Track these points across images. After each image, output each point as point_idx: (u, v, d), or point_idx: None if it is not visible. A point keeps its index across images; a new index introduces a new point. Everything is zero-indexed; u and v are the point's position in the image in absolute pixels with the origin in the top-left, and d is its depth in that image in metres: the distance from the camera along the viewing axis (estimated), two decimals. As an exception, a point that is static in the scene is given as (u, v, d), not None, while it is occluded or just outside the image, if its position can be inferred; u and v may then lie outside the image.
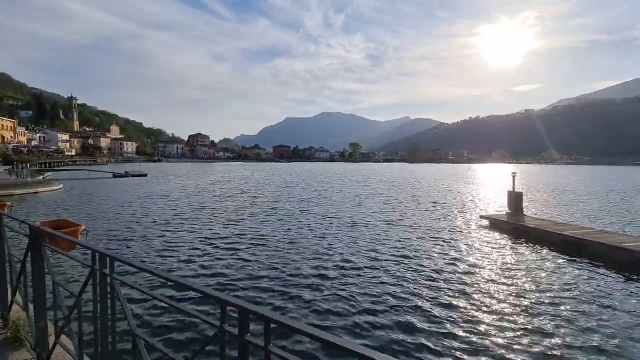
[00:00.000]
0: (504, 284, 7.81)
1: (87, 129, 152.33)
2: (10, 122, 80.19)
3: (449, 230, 13.54)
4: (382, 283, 7.72)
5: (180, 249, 10.47)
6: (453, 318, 6.05)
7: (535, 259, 9.83)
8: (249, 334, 1.16)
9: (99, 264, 1.79)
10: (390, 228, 13.88)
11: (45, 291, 2.34)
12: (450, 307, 6.52)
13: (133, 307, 5.91)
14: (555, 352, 5.00)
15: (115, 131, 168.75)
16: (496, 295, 7.10)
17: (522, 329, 5.67)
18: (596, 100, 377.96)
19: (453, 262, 9.40)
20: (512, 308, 6.52)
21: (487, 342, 5.24)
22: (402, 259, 9.57)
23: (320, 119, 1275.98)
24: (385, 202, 22.63)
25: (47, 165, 60.57)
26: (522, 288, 7.55)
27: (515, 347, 5.13)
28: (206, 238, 11.84)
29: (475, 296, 7.05)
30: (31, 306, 2.61)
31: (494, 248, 10.97)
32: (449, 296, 7.01)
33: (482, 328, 5.69)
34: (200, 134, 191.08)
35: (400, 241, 11.67)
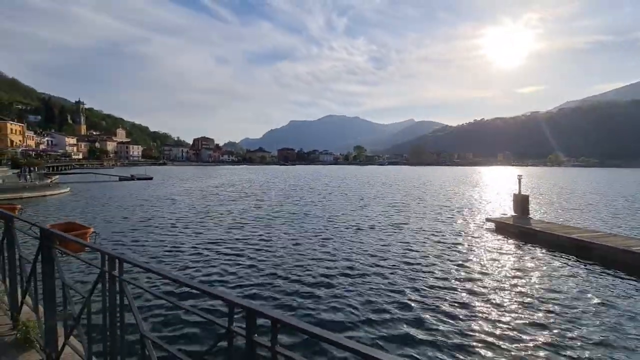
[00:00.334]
0: (511, 287, 7.73)
1: (94, 133, 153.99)
2: (19, 126, 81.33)
3: (455, 233, 13.46)
4: (387, 286, 7.69)
5: (185, 251, 10.53)
6: (460, 322, 6.01)
7: (542, 262, 9.73)
8: (256, 334, 1.18)
9: (108, 266, 1.82)
10: (395, 231, 13.83)
11: (55, 292, 2.38)
12: (456, 311, 6.47)
13: (141, 308, 5.96)
14: (565, 357, 4.95)
15: (121, 135, 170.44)
16: (504, 300, 7.04)
17: (532, 334, 5.61)
18: (602, 102, 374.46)
19: (459, 265, 9.35)
20: (521, 312, 6.46)
21: (495, 348, 5.20)
22: (407, 263, 9.53)
23: (324, 121, 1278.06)
24: (389, 204, 22.57)
25: (55, 168, 61.29)
26: (531, 292, 7.47)
27: (526, 352, 5.08)
28: (211, 241, 11.89)
29: (483, 300, 7.00)
30: (41, 307, 2.65)
31: (500, 251, 10.89)
32: (455, 300, 6.97)
33: (491, 333, 5.64)
34: (204, 138, 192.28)
35: (405, 244, 11.63)
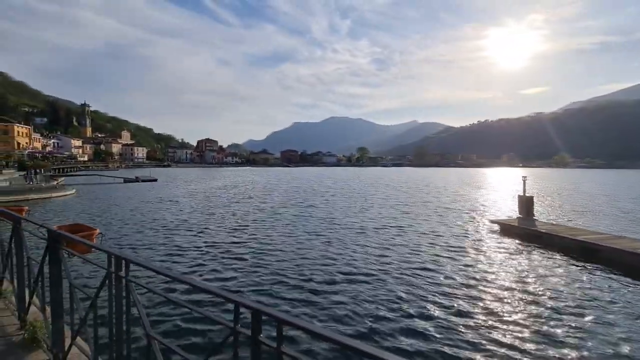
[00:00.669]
0: (517, 290, 7.67)
1: (99, 135, 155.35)
2: (26, 128, 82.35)
3: (459, 235, 13.39)
4: (390, 289, 7.67)
5: (189, 253, 10.58)
6: (464, 325, 5.97)
7: (548, 264, 9.65)
8: (261, 335, 1.18)
9: (115, 267, 1.84)
10: (399, 233, 13.78)
11: (62, 293, 2.41)
12: (461, 314, 6.43)
13: (148, 309, 6.00)
14: (569, 360, 4.90)
15: (126, 137, 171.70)
16: (509, 303, 6.99)
17: (537, 339, 5.56)
18: (608, 102, 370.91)
19: (463, 267, 9.30)
20: (527, 316, 6.40)
21: (500, 354, 5.16)
22: (411, 265, 9.49)
23: (327, 123, 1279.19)
24: (393, 206, 22.51)
25: (61, 170, 61.88)
26: (536, 294, 7.41)
27: (532, 358, 5.03)
28: (214, 242, 11.93)
29: (487, 304, 6.95)
30: (48, 308, 2.68)
31: (504, 253, 10.81)
32: (459, 303, 6.93)
33: (495, 338, 5.58)
34: (208, 139, 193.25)
35: (409, 246, 11.59)
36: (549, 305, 6.78)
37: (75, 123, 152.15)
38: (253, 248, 11.17)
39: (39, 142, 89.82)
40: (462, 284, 7.99)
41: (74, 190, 29.90)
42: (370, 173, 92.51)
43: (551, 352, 5.10)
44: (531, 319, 6.19)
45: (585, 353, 5.08)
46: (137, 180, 46.92)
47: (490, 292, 7.46)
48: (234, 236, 12.99)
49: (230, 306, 1.29)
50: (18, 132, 76.76)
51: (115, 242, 11.74)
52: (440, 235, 13.27)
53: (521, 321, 6.10)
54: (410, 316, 6.25)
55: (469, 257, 10.32)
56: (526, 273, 8.85)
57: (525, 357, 4.96)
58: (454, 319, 6.16)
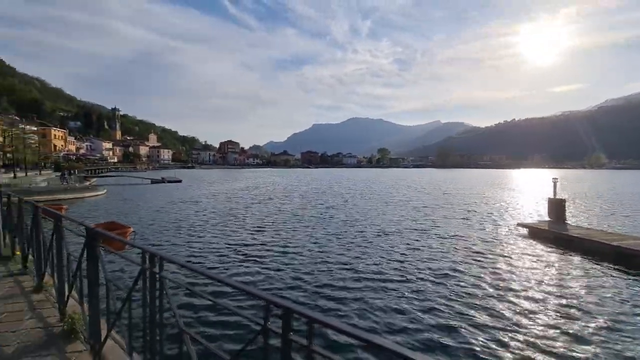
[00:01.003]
0: (547, 297, 7.34)
1: (128, 138, 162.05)
2: (62, 132, 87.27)
3: (484, 239, 12.97)
4: (413, 293, 7.52)
5: (213, 252, 10.84)
6: (490, 334, 5.78)
7: (581, 270, 9.17)
8: (292, 333, 1.20)
9: (149, 263, 1.92)
10: (421, 236, 13.51)
11: (98, 288, 2.53)
12: (487, 322, 6.22)
13: (179, 304, 6.20)
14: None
15: (152, 139, 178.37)
16: (538, 311, 6.69)
17: (569, 349, 5.30)
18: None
19: (489, 272, 8.99)
20: (558, 324, 6.11)
21: None
22: (435, 269, 9.29)
23: (347, 124, 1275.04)
24: (415, 208, 22.12)
25: (93, 171, 65.06)
26: (568, 302, 7.06)
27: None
28: (236, 243, 12.16)
29: (515, 311, 6.68)
30: (85, 301, 2.83)
31: (534, 258, 10.36)
32: (486, 310, 6.70)
33: (523, 348, 5.38)
34: (230, 141, 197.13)
35: (432, 250, 11.34)
36: (582, 315, 6.44)
37: (106, 126, 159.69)
38: (273, 249, 11.29)
39: (73, 144, 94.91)
40: (488, 290, 7.73)
41: (104, 191, 31.36)
42: (391, 174, 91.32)
43: (586, 363, 4.84)
44: (562, 329, 5.90)
45: (624, 365, 4.79)
46: (163, 181, 48.60)
47: (518, 300, 7.17)
48: (255, 237, 13.19)
49: (258, 304, 1.31)
50: (55, 135, 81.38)
51: (145, 240, 12.21)
52: (465, 239, 12.90)
53: (552, 331, 5.83)
54: (433, 322, 6.11)
55: (495, 261, 9.96)
56: (557, 279, 8.45)
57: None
58: (479, 326, 5.97)
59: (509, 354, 5.04)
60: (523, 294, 7.45)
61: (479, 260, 9.97)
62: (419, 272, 8.82)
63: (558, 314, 6.44)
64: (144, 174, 65.36)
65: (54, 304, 3.52)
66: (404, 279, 8.34)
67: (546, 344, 5.35)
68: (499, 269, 9.24)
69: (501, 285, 7.98)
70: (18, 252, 5.13)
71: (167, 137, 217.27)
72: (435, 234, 13.76)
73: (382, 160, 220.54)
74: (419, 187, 42.20)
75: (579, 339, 5.52)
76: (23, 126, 47.37)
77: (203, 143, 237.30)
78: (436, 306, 6.73)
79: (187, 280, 7.40)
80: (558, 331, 5.78)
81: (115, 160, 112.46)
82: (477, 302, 6.93)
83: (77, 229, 3.01)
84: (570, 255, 10.58)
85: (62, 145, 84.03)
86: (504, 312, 6.50)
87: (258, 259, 9.99)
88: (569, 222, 14.30)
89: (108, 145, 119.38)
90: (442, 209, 21.86)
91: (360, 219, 17.73)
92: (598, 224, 15.97)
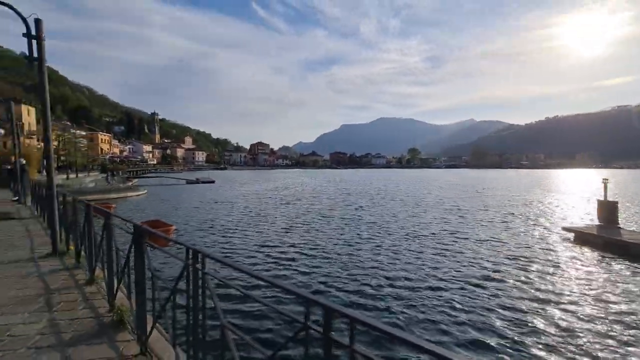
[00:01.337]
0: (597, 308, 6.78)
1: (166, 141, 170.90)
2: (107, 136, 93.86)
3: (525, 243, 12.26)
4: (448, 302, 7.19)
5: (244, 251, 11.14)
6: (532, 348, 5.44)
7: (635, 279, 8.39)
8: (333, 332, 1.20)
9: (192, 260, 2.02)
10: (456, 240, 12.93)
11: (145, 282, 2.69)
12: (529, 333, 5.86)
13: (221, 300, 6.42)
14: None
15: (188, 142, 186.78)
16: (588, 323, 6.18)
17: (622, 360, 4.87)
18: None
19: (531, 279, 8.47)
20: (609, 340, 5.63)
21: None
22: (470, 275, 8.90)
23: (376, 124, 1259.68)
24: (448, 210, 21.38)
25: (134, 173, 69.25)
26: (623, 314, 6.48)
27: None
28: (265, 244, 12.39)
29: (561, 324, 6.23)
30: (132, 294, 3.02)
31: (582, 265, 9.63)
32: (527, 320, 6.31)
33: None
34: (260, 143, 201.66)
35: (467, 254, 10.87)
36: (637, 329, 5.89)
37: (146, 130, 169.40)
38: (303, 250, 11.37)
39: (117, 148, 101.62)
40: (529, 300, 7.25)
41: (145, 191, 33.27)
42: (422, 175, 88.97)
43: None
44: (613, 345, 5.42)
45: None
46: (197, 181, 50.72)
47: (564, 310, 6.68)
48: (284, 238, 13.37)
49: (297, 302, 1.32)
50: (101, 139, 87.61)
51: (183, 238, 12.80)
52: (504, 243, 12.26)
53: (601, 347, 5.38)
54: (473, 330, 5.86)
55: (538, 268, 9.37)
56: (608, 288, 7.79)
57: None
58: (519, 338, 5.63)
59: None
60: (569, 306, 6.91)
61: (519, 267, 9.43)
62: (455, 278, 8.49)
63: (609, 330, 5.94)
64: (180, 175, 68.59)
65: (104, 296, 3.79)
66: (439, 284, 8.07)
67: None
68: (541, 276, 8.68)
69: (544, 295, 7.48)
70: (72, 248, 5.56)
71: (202, 139, 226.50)
72: (471, 238, 13.15)
73: (412, 160, 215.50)
74: (452, 188, 40.74)
75: (634, 356, 5.06)
76: (74, 131, 51.51)
77: (235, 145, 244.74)
78: (474, 314, 6.44)
79: (227, 276, 7.64)
80: (608, 351, 5.32)
81: (155, 162, 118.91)
82: (518, 314, 6.55)
83: (126, 227, 3.22)
84: (623, 262, 9.71)
85: (107, 149, 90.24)
86: (547, 325, 6.10)
87: (288, 259, 10.12)
88: (621, 226, 13.15)
89: (148, 148, 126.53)
90: (478, 211, 20.95)
91: (391, 220, 17.43)
92: (656, 229, 14.53)
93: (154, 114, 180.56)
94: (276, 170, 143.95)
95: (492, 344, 5.32)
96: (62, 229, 6.04)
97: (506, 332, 5.70)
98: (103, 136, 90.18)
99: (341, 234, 13.85)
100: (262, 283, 5.84)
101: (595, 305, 6.81)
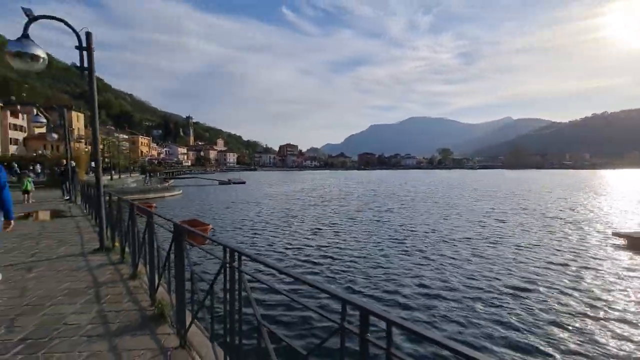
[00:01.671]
0: (652, 319, 6.21)
1: (200, 143, 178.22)
2: (147, 139, 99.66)
3: (570, 249, 11.44)
4: (487, 310, 6.90)
5: (274, 251, 11.34)
6: None
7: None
8: (369, 334, 1.20)
9: (229, 258, 2.09)
10: (493, 245, 12.32)
11: (184, 278, 2.82)
12: (577, 349, 5.47)
13: (257, 298, 6.59)
14: None
15: (220, 144, 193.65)
16: (641, 333, 5.69)
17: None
18: None
19: (578, 289, 7.90)
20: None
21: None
22: (509, 282, 8.45)
23: (405, 124, 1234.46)
24: (483, 214, 20.47)
25: (170, 174, 72.80)
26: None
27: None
28: (294, 245, 12.52)
29: (612, 339, 5.77)
30: (172, 290, 3.17)
31: (634, 274, 8.84)
32: (578, 336, 5.89)
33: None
34: (289, 144, 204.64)
35: (506, 260, 10.29)
36: None
37: (181, 133, 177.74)
38: (332, 251, 11.37)
39: (155, 150, 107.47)
40: (578, 310, 6.77)
41: (180, 191, 34.84)
42: (455, 176, 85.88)
43: None
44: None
45: None
46: (229, 182, 52.40)
47: (615, 324, 6.16)
48: (314, 238, 13.45)
49: (332, 302, 1.33)
50: (141, 142, 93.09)
51: (220, 237, 13.27)
52: (546, 249, 11.51)
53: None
54: (515, 339, 5.57)
55: (584, 276, 8.72)
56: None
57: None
58: (568, 350, 5.27)
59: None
60: (622, 321, 6.37)
61: (564, 274, 8.82)
62: (494, 285, 8.07)
63: (670, 342, 5.40)
64: (213, 176, 71.13)
65: (146, 290, 4.01)
66: (475, 291, 7.72)
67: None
68: (588, 285, 8.08)
69: (592, 306, 6.93)
70: (117, 244, 5.95)
71: (233, 141, 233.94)
72: (510, 243, 12.40)
73: (443, 161, 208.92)
74: (487, 190, 38.98)
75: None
76: (117, 135, 55.06)
77: (264, 146, 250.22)
78: (514, 324, 6.12)
79: (263, 276, 7.82)
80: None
81: (189, 163, 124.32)
82: (564, 326, 6.13)
83: (166, 225, 3.40)
84: (686, 272, 8.80)
85: (147, 151, 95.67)
86: (596, 339, 5.66)
87: (317, 260, 10.17)
88: (683, 232, 11.94)
89: (183, 150, 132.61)
90: (516, 214, 19.87)
91: (422, 224, 16.98)
92: None
93: (188, 117, 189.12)
94: (304, 171, 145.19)
95: (532, 355, 5.03)
96: (108, 227, 6.47)
97: (551, 345, 5.36)
98: (143, 139, 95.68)
99: (370, 236, 13.70)
100: (296, 282, 5.91)
101: (652, 319, 6.22)
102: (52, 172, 25.17)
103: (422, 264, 9.68)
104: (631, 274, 8.83)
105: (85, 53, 5.32)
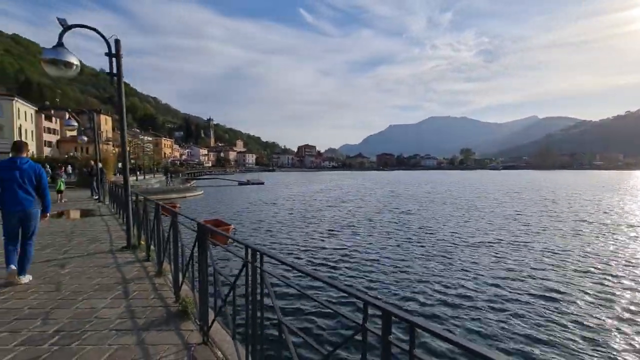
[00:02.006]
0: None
1: (220, 144, 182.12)
2: (169, 141, 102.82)
3: (602, 255, 10.86)
4: (515, 318, 6.62)
5: (292, 252, 11.41)
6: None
7: None
8: (391, 335, 1.20)
9: (251, 258, 2.14)
10: (519, 249, 11.77)
11: (207, 276, 2.90)
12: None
13: (278, 297, 6.70)
14: None
15: (239, 145, 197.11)
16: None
17: None
18: None
19: (610, 297, 7.51)
20: None
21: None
22: (537, 288, 8.13)
23: (425, 124, 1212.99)
24: (508, 217, 19.79)
25: (192, 174, 74.76)
26: None
27: None
28: (312, 246, 12.55)
29: (646, 340, 5.46)
30: (196, 287, 3.27)
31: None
32: (608, 345, 5.62)
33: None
34: (307, 145, 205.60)
35: (533, 265, 9.81)
36: None
37: (202, 135, 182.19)
38: (351, 252, 11.31)
39: (178, 151, 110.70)
40: (611, 317, 6.45)
41: (202, 191, 35.69)
42: (477, 177, 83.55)
43: None
44: None
45: None
46: (248, 183, 53.24)
47: (651, 329, 5.83)
48: (332, 239, 13.43)
49: (358, 304, 1.34)
50: (164, 144, 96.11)
51: (241, 237, 13.52)
52: (577, 254, 10.94)
53: None
54: (543, 348, 5.37)
55: (623, 285, 8.24)
56: None
57: None
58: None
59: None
60: (659, 324, 6.02)
61: (596, 283, 8.36)
62: (519, 289, 7.75)
63: None
64: (232, 177, 72.47)
65: (170, 287, 4.15)
66: (499, 296, 7.46)
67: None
68: (622, 294, 7.66)
69: (627, 317, 6.59)
70: (143, 242, 6.18)
71: (252, 142, 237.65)
72: (538, 248, 11.82)
73: (465, 161, 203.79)
74: (512, 192, 37.68)
75: None
76: (142, 137, 57.15)
77: (282, 147, 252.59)
78: (542, 331, 5.89)
79: (284, 275, 7.90)
80: None
81: (210, 164, 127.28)
82: (595, 335, 5.85)
83: (190, 224, 3.51)
84: None
85: (169, 152, 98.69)
86: (633, 343, 5.37)
87: (336, 261, 10.15)
88: None
89: (204, 151, 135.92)
90: (544, 217, 19.09)
91: (443, 226, 16.61)
92: None
93: (209, 119, 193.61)
94: (322, 172, 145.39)
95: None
96: (134, 226, 6.74)
97: (584, 355, 5.13)
98: (166, 141, 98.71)
99: (388, 238, 13.54)
100: (316, 282, 5.93)
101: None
102: (81, 172, 26.44)
103: (443, 267, 9.48)
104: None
105: (114, 59, 5.57)
